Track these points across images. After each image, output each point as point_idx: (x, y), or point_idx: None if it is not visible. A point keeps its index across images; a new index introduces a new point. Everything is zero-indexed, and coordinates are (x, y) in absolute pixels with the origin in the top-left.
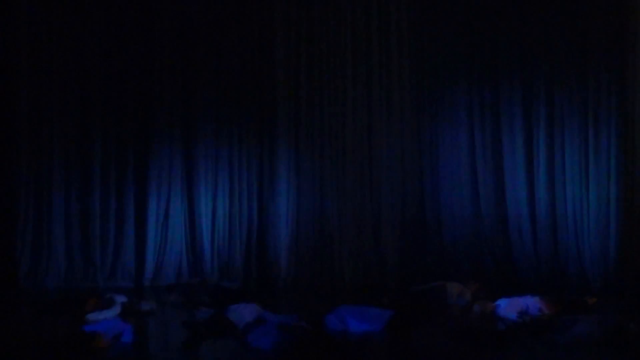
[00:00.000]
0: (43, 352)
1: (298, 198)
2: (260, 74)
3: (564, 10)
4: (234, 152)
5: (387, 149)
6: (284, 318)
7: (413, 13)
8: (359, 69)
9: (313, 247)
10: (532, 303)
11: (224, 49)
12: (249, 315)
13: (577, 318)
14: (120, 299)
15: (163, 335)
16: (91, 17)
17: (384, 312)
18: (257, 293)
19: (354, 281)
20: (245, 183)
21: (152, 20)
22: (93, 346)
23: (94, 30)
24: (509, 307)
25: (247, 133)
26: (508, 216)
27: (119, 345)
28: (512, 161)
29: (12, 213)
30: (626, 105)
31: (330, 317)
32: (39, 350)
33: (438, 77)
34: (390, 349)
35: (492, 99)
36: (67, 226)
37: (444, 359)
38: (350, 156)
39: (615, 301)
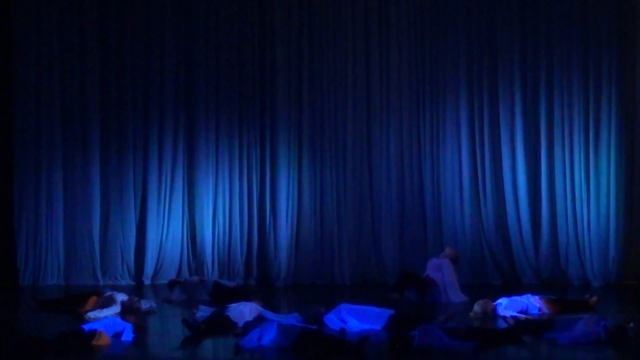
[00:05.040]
0: (43, 349)
1: (298, 198)
2: (261, 77)
3: (565, 7)
4: (234, 154)
5: (386, 152)
6: (284, 317)
7: (412, 14)
8: (358, 71)
9: (313, 246)
10: (532, 302)
11: (226, 55)
12: (249, 314)
13: (577, 317)
14: (121, 297)
15: (163, 333)
16: (92, 14)
17: (384, 311)
18: (258, 291)
19: (353, 281)
20: (246, 183)
21: (155, 19)
22: (93, 344)
23: (93, 31)
24: (509, 306)
25: (248, 135)
26: (508, 217)
27: (119, 343)
28: (512, 163)
29: (12, 213)
30: (626, 107)
31: (330, 316)
32: (39, 348)
33: (438, 78)
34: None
35: (492, 100)
36: (67, 225)
37: (443, 358)
38: (349, 158)
39: (616, 301)
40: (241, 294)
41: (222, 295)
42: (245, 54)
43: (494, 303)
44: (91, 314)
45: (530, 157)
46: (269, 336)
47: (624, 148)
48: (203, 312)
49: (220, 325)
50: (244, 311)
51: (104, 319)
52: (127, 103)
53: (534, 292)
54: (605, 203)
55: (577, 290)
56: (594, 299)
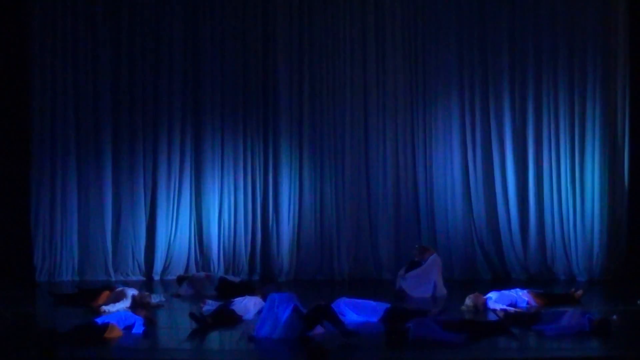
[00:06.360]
0: (59, 341)
1: (299, 199)
2: (264, 85)
3: (552, 17)
4: (239, 158)
5: (382, 154)
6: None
7: (407, 23)
8: (356, 77)
9: (313, 244)
10: (520, 296)
11: (231, 64)
12: (253, 308)
13: (563, 310)
14: (131, 292)
15: (172, 326)
16: (102, 19)
17: (380, 304)
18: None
19: (351, 276)
20: (250, 185)
21: (164, 29)
22: (106, 336)
23: (105, 39)
24: (499, 299)
25: (252, 139)
26: (498, 216)
27: (130, 336)
28: (501, 165)
29: (29, 214)
30: (609, 114)
31: None
32: (55, 340)
33: (431, 84)
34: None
35: (482, 105)
36: (81, 225)
37: (437, 349)
38: (348, 161)
39: (599, 295)
40: (245, 289)
41: (228, 290)
42: (249, 62)
43: (485, 297)
44: (104, 308)
45: (518, 160)
46: (283, 316)
47: (607, 153)
48: (209, 306)
49: (226, 318)
50: (248, 305)
51: (116, 312)
52: (138, 109)
53: (522, 287)
54: (590, 204)
55: (563, 285)
56: (579, 292)
